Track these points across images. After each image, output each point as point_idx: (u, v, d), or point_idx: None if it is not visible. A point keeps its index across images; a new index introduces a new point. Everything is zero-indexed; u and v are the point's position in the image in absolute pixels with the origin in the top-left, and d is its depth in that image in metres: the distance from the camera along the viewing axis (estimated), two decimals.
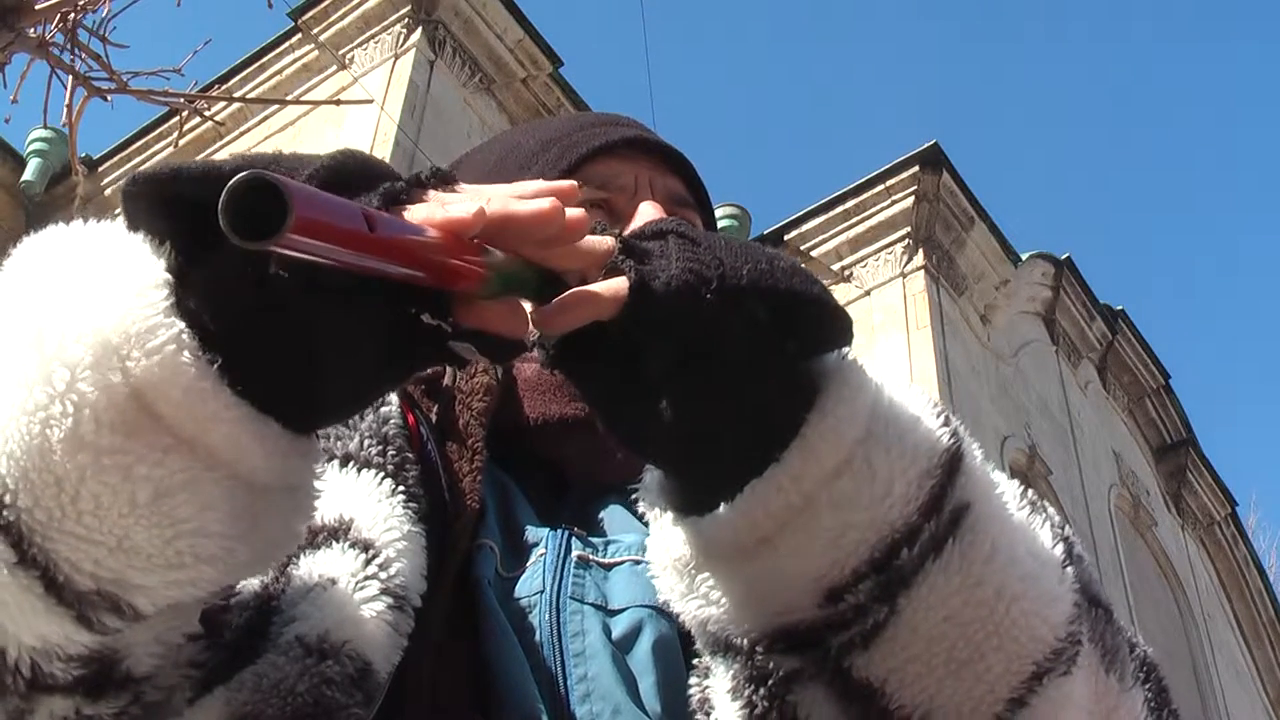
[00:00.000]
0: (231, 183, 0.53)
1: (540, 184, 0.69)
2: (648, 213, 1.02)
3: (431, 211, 0.63)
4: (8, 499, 0.60)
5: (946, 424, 0.72)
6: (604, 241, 0.68)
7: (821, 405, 0.68)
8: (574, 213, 0.67)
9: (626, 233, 0.71)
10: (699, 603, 0.72)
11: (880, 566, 0.67)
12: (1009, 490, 0.79)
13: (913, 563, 0.68)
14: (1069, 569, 0.77)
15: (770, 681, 0.73)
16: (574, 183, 0.70)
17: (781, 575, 0.69)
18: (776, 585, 0.69)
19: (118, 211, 0.66)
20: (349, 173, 0.63)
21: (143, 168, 0.63)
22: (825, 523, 0.67)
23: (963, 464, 0.71)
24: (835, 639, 0.69)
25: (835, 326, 0.70)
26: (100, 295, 0.61)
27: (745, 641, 0.72)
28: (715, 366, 0.66)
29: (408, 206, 0.63)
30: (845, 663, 0.70)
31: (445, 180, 0.67)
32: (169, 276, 0.62)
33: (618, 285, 0.66)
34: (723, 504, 0.69)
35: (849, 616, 0.68)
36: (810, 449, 0.67)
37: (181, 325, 0.60)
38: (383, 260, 0.59)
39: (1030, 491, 0.83)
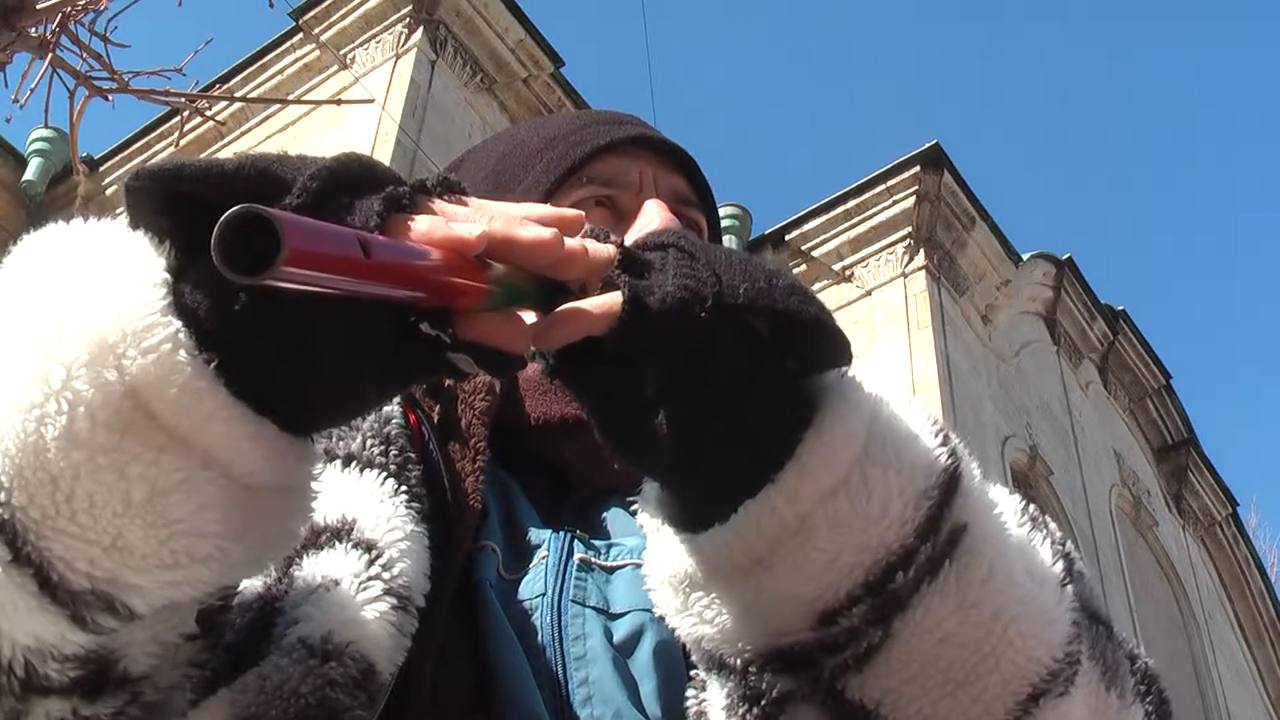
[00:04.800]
0: (224, 218, 0.53)
1: (548, 209, 0.68)
2: (652, 210, 1.02)
3: (434, 227, 0.62)
4: (2, 496, 0.60)
5: (945, 443, 0.71)
6: (604, 250, 0.68)
7: (818, 424, 0.67)
8: (573, 244, 0.66)
9: (629, 238, 0.71)
10: (693, 620, 0.72)
11: (875, 589, 0.67)
12: (1008, 508, 0.78)
13: (908, 585, 0.67)
14: (1068, 587, 0.76)
15: (764, 701, 0.73)
16: (580, 214, 0.69)
17: (775, 596, 0.68)
18: (770, 606, 0.69)
19: (119, 211, 0.66)
20: (352, 176, 0.63)
21: (148, 164, 0.62)
22: (820, 544, 0.66)
23: (961, 484, 0.70)
24: (829, 661, 0.69)
25: (833, 347, 0.69)
26: (98, 293, 0.61)
27: (739, 661, 0.71)
28: (710, 384, 0.66)
29: (413, 216, 0.63)
30: (839, 684, 0.70)
31: (450, 189, 0.67)
32: (167, 275, 0.61)
33: (611, 301, 0.65)
34: (717, 522, 0.68)
35: (843, 639, 0.68)
36: (806, 469, 0.66)
37: (178, 324, 0.60)
38: (381, 285, 0.59)
39: (1031, 506, 0.83)
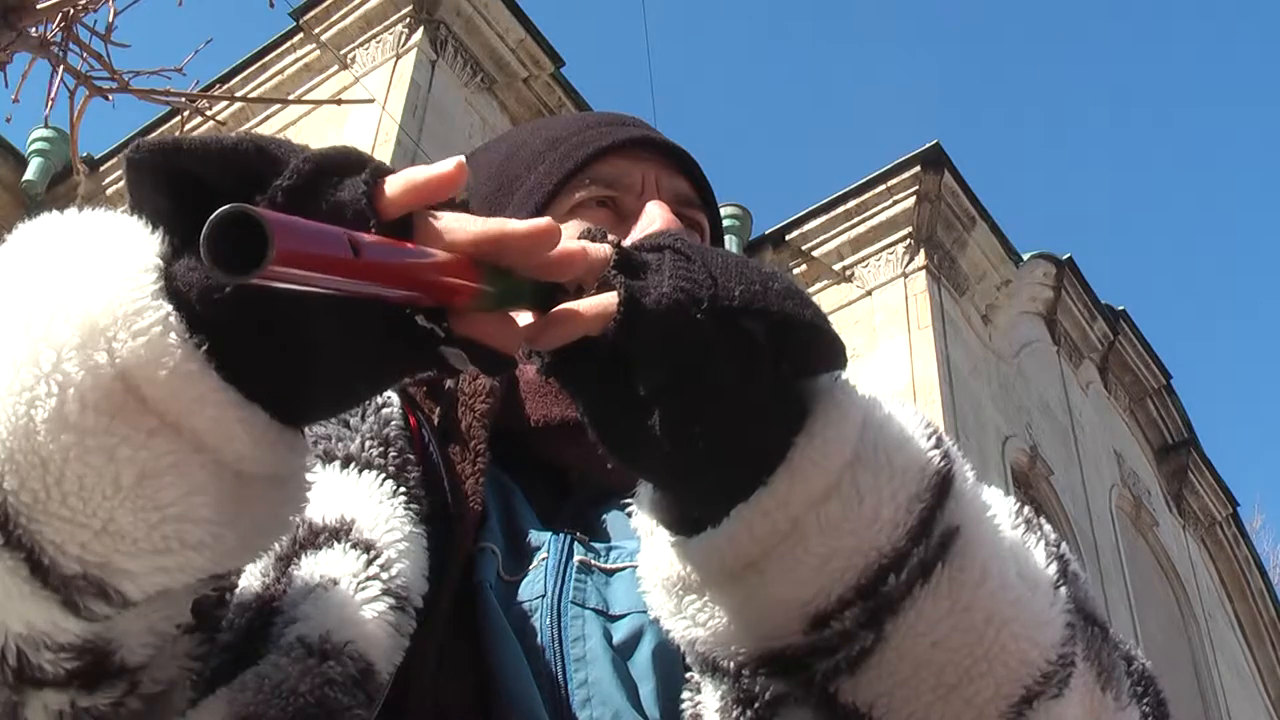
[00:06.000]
0: (213, 217, 0.53)
1: (536, 220, 0.68)
2: (654, 212, 1.02)
3: (452, 225, 0.63)
4: None
5: (938, 445, 0.71)
6: (600, 250, 0.68)
7: (810, 428, 0.67)
8: (569, 244, 0.66)
9: (630, 237, 0.71)
10: (686, 623, 0.72)
11: (867, 593, 0.67)
12: (1002, 510, 0.78)
13: (900, 589, 0.67)
14: (1062, 589, 0.76)
15: (757, 704, 0.73)
16: (555, 224, 0.67)
17: (767, 601, 0.68)
18: (762, 611, 0.69)
19: (119, 210, 0.66)
20: (344, 160, 0.63)
21: (148, 137, 0.62)
22: (812, 548, 0.67)
23: (953, 487, 0.70)
24: (821, 664, 0.69)
25: (827, 351, 0.69)
26: (90, 278, 0.61)
27: (732, 664, 0.72)
28: (704, 386, 0.66)
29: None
30: (831, 688, 0.70)
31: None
32: (159, 260, 0.62)
33: (606, 301, 0.65)
34: (709, 525, 0.69)
35: (835, 642, 0.68)
36: (797, 473, 0.67)
37: (169, 308, 0.60)
38: (373, 284, 0.59)
39: (1026, 508, 0.82)
